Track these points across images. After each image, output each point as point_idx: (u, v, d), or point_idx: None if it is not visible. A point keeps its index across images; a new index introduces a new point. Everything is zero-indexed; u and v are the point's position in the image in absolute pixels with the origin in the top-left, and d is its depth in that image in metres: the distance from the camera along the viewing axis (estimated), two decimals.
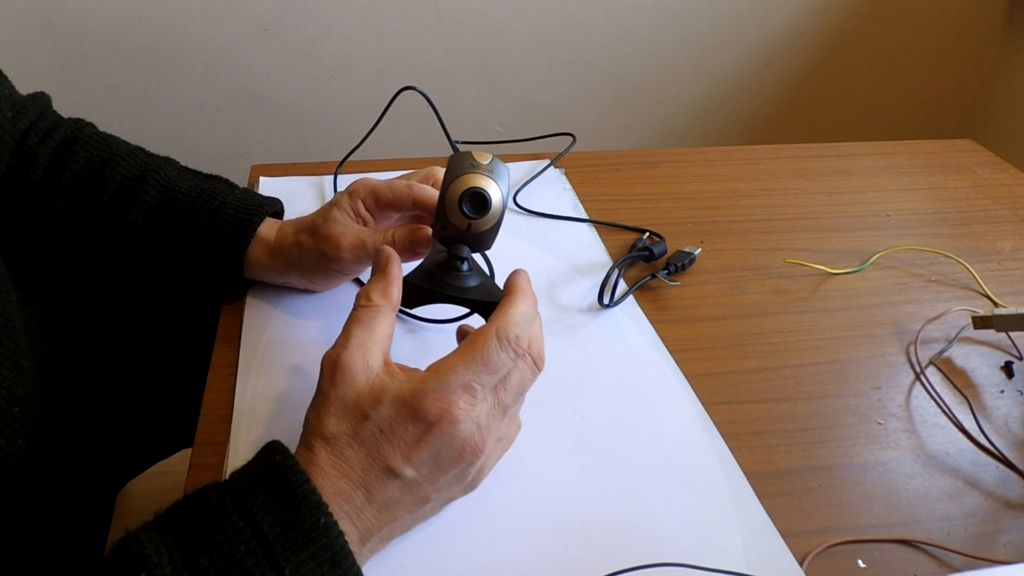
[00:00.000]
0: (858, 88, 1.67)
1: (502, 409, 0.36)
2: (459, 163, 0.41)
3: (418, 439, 0.34)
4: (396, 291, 0.39)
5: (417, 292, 0.41)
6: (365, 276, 0.54)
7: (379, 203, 0.48)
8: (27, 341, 0.48)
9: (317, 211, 0.50)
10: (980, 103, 1.69)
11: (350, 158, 0.70)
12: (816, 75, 1.62)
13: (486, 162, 0.41)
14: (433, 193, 0.47)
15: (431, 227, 0.45)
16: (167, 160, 0.54)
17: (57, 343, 0.56)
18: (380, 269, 0.39)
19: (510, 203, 0.66)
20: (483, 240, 0.42)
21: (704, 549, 0.39)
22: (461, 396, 0.34)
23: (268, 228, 0.51)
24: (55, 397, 0.53)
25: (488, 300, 0.41)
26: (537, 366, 0.38)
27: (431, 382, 0.34)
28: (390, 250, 0.40)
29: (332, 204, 0.49)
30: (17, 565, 0.48)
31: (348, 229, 0.47)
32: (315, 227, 0.49)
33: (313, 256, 0.48)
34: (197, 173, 0.55)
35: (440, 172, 0.50)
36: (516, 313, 0.36)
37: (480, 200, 0.40)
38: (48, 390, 0.52)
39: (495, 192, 0.40)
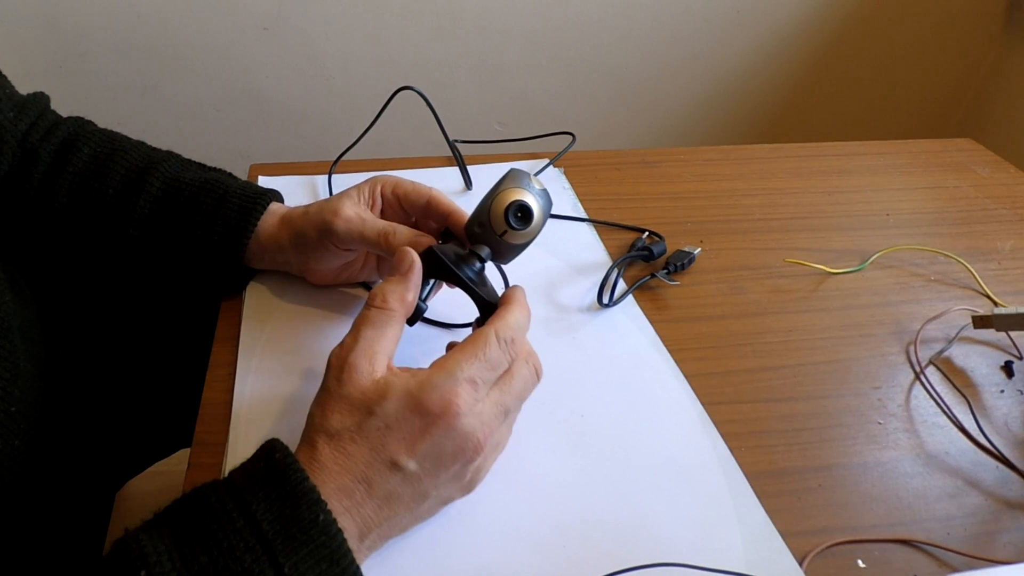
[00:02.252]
0: (858, 87, 1.67)
1: (503, 411, 0.37)
2: (519, 177, 0.44)
3: (422, 432, 0.34)
4: (413, 298, 0.40)
5: (438, 266, 0.42)
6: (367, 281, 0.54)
7: (396, 191, 0.50)
8: (23, 341, 0.48)
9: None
10: (980, 102, 1.69)
11: (348, 157, 0.70)
12: (816, 74, 1.62)
13: (540, 188, 0.44)
14: (449, 202, 0.49)
15: (465, 223, 0.46)
16: (169, 153, 0.55)
17: (54, 343, 0.56)
18: (403, 273, 0.40)
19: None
20: (506, 252, 0.45)
21: (703, 549, 0.38)
22: (465, 389, 0.35)
23: (278, 205, 0.53)
24: (52, 397, 0.52)
25: (492, 302, 0.42)
26: (538, 375, 0.40)
27: (437, 377, 0.35)
28: (415, 255, 0.41)
29: (353, 187, 0.51)
30: (16, 565, 0.48)
31: (355, 206, 0.49)
32: (327, 199, 0.50)
33: (314, 222, 0.49)
34: (201, 165, 0.56)
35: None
36: (512, 319, 0.39)
37: (526, 215, 0.43)
38: (45, 390, 0.52)
39: (538, 216, 0.43)
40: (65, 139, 0.53)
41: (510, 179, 0.44)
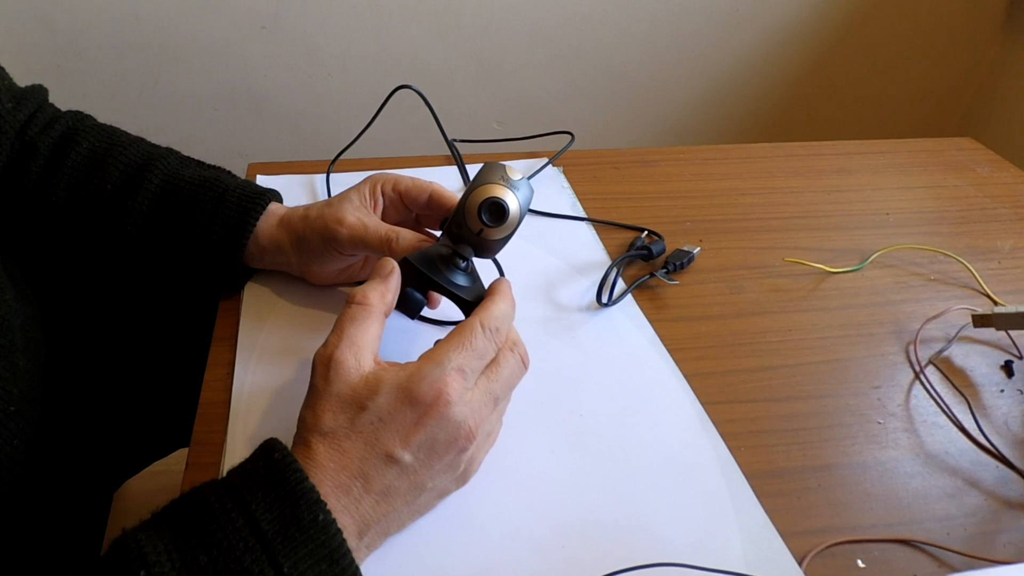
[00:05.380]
0: (858, 86, 1.67)
1: (493, 399, 0.38)
2: (492, 171, 0.43)
3: (415, 423, 0.35)
4: (392, 298, 0.40)
5: (413, 273, 0.42)
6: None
7: (397, 188, 0.50)
8: (23, 340, 0.48)
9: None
10: (979, 101, 1.69)
11: (347, 156, 0.69)
12: (815, 73, 1.62)
13: (516, 178, 0.43)
14: (451, 196, 0.49)
15: (442, 223, 0.46)
16: (169, 150, 0.55)
17: (54, 342, 0.56)
18: (382, 276, 0.41)
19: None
20: (488, 248, 0.44)
21: (703, 549, 0.38)
22: (455, 379, 0.35)
23: (277, 206, 0.53)
24: (51, 396, 0.52)
25: (472, 300, 0.42)
26: (524, 363, 0.40)
27: (425, 367, 0.36)
28: (395, 264, 0.42)
29: (353, 188, 0.51)
30: (14, 566, 0.48)
31: (357, 210, 0.49)
32: (328, 202, 0.50)
33: (316, 229, 0.49)
34: (200, 163, 0.55)
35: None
36: (496, 308, 0.39)
37: (499, 211, 0.42)
38: (44, 389, 0.51)
39: (514, 209, 0.43)
40: (64, 133, 0.53)
41: (483, 175, 0.43)
